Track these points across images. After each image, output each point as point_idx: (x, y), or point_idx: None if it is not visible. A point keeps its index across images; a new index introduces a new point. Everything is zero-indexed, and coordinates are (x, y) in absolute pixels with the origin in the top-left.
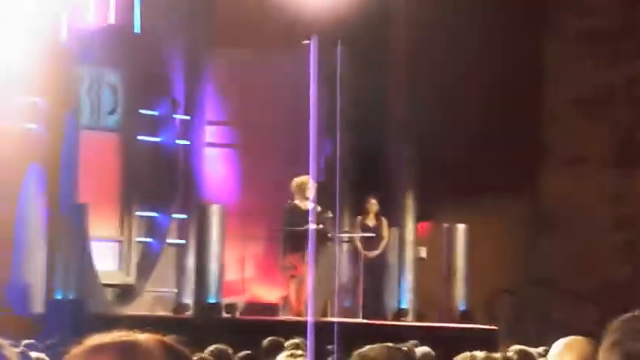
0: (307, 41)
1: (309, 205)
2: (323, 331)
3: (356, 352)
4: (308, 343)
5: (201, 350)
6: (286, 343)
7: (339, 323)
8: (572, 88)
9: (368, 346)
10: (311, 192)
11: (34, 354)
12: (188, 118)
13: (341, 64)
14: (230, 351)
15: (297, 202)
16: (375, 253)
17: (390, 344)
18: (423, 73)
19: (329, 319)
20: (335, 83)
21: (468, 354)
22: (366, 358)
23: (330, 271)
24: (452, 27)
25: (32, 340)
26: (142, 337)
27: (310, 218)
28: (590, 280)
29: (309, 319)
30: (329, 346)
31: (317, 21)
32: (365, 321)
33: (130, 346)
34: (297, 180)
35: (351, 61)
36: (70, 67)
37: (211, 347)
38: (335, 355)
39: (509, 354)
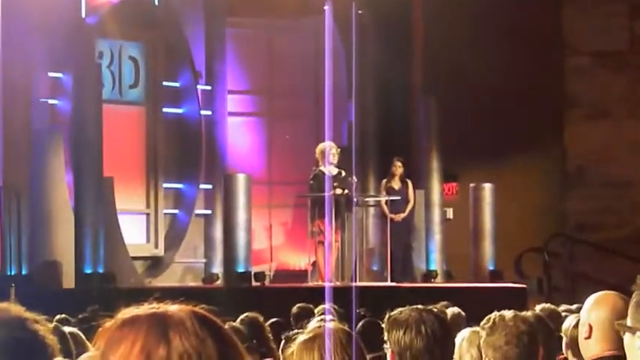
0: (326, 7)
1: (332, 170)
2: (352, 295)
3: (387, 316)
4: (326, 306)
5: (233, 319)
6: (316, 309)
7: (367, 287)
8: (593, 41)
9: (399, 309)
10: (329, 157)
11: (66, 328)
12: (210, 88)
13: (363, 29)
14: (261, 319)
15: (322, 168)
16: (402, 215)
17: (420, 306)
18: (444, 34)
19: (357, 283)
20: (359, 48)
21: (496, 313)
22: (398, 321)
23: (359, 236)
24: None
25: (64, 315)
26: (174, 308)
27: (327, 183)
28: (620, 233)
29: (327, 284)
30: (359, 310)
31: None
32: (394, 284)
33: (161, 318)
34: (320, 146)
35: (373, 25)
36: (90, 41)
37: (242, 316)
38: (354, 319)
39: (537, 312)
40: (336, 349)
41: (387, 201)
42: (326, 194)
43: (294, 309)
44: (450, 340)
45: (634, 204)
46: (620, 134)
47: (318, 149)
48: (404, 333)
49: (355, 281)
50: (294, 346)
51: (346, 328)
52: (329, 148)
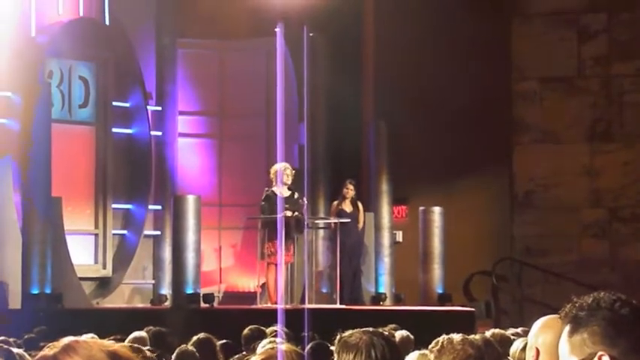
0: (277, 29)
1: (284, 191)
2: (301, 317)
3: (338, 337)
4: (278, 329)
5: (185, 341)
6: (268, 330)
7: (316, 310)
8: (542, 66)
9: (349, 332)
10: (283, 177)
11: (12, 349)
12: (160, 108)
13: (314, 52)
14: (214, 340)
15: (274, 189)
16: (352, 238)
17: (370, 329)
18: (395, 58)
19: (306, 305)
20: (310, 70)
21: (445, 337)
22: (348, 344)
23: (310, 258)
24: (420, 12)
25: (9, 336)
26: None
27: (279, 205)
28: (568, 257)
29: (279, 306)
30: (303, 333)
31: (285, 9)
32: (343, 307)
33: (51, 352)
34: (275, 166)
35: (324, 48)
36: (40, 60)
37: (195, 337)
38: (307, 341)
39: (485, 336)
40: None
41: (337, 223)
42: (278, 216)
43: (246, 330)
44: None
45: (581, 229)
46: (568, 159)
47: (272, 169)
48: (354, 356)
49: (305, 303)
50: None
51: (298, 349)
52: (283, 168)
